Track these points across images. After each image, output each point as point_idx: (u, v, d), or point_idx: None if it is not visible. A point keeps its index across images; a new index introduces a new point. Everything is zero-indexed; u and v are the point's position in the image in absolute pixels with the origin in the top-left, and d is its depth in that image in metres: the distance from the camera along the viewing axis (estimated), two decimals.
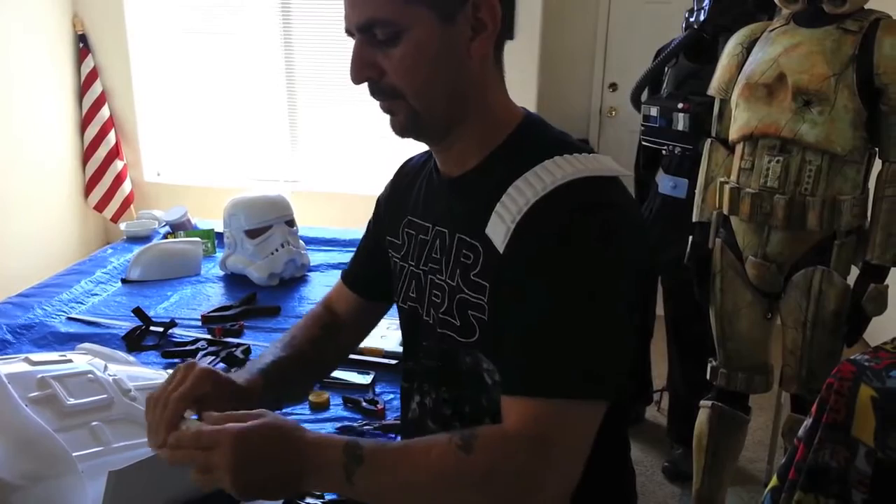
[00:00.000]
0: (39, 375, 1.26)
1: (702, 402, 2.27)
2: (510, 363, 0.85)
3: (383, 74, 0.87)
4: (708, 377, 2.23)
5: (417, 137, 0.95)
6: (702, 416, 2.27)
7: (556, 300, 0.82)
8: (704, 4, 2.39)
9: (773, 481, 1.80)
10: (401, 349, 1.82)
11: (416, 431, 1.05)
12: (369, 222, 1.20)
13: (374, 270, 1.17)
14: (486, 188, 0.90)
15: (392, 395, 1.79)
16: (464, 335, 0.92)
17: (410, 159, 1.14)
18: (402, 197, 1.09)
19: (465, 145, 0.93)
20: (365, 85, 0.89)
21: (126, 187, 4.31)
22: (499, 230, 0.86)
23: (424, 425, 1.03)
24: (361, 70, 0.87)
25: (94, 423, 1.25)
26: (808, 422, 1.73)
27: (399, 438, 1.62)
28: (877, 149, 1.88)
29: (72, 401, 1.25)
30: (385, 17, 0.83)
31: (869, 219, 1.91)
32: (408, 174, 1.11)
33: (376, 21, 0.84)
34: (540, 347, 0.81)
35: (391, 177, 1.17)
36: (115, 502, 1.09)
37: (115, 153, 4.24)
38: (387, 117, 0.93)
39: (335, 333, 1.19)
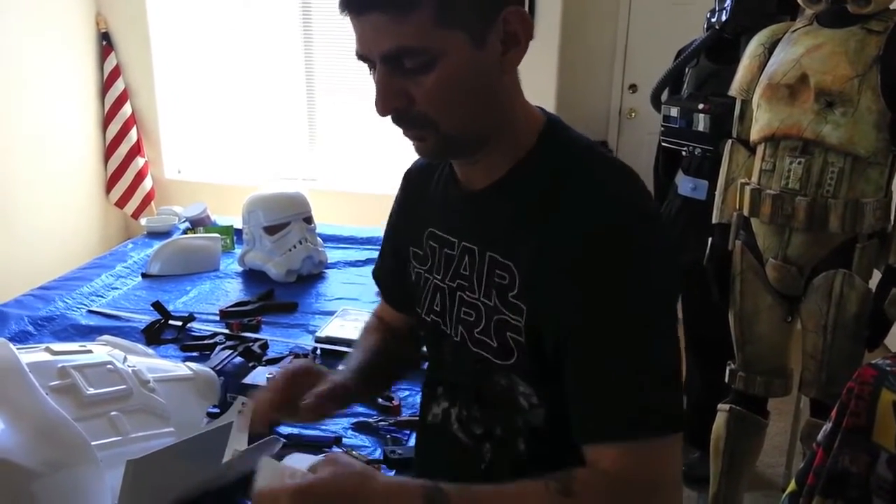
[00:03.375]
0: (60, 365, 1.27)
1: (720, 406, 2.26)
2: (590, 410, 0.82)
3: (413, 103, 0.81)
4: (726, 380, 2.22)
5: (448, 159, 0.92)
6: (719, 420, 2.25)
7: (623, 342, 0.80)
8: (726, 5, 2.36)
9: (792, 486, 1.79)
10: None
11: (439, 438, 1.03)
12: (386, 232, 1.16)
13: (406, 286, 1.11)
14: (513, 203, 0.87)
15: (407, 392, 1.79)
16: (500, 357, 0.89)
17: (413, 167, 1.10)
18: (417, 207, 1.05)
19: (492, 158, 0.89)
20: None
21: (147, 184, 4.34)
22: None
23: (450, 434, 1.00)
24: (390, 101, 0.81)
25: (112, 413, 1.26)
26: (827, 426, 1.71)
27: (415, 437, 1.62)
28: None
29: (91, 391, 1.26)
30: (417, 46, 0.77)
31: (892, 222, 1.88)
32: (416, 182, 1.07)
33: (407, 50, 0.78)
34: (620, 391, 0.79)
35: (398, 187, 1.13)
36: (133, 491, 1.10)
37: (136, 150, 4.28)
38: None
39: (398, 335, 1.17)
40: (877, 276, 1.93)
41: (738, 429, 2.21)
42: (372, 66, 0.83)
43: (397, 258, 1.10)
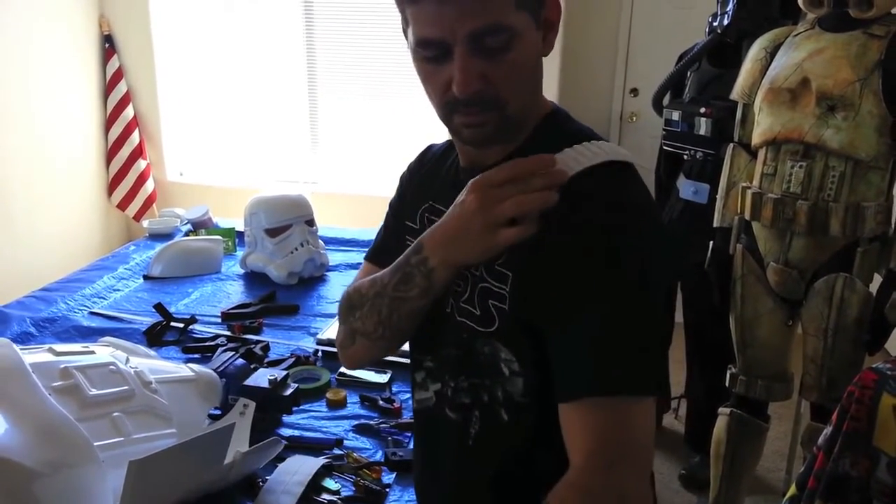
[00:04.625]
0: (62, 366, 1.28)
1: (720, 410, 2.26)
2: (566, 369, 0.84)
3: (488, 84, 0.84)
4: (727, 384, 2.22)
5: (497, 143, 0.93)
6: (720, 424, 2.25)
7: (610, 300, 0.82)
8: (728, 9, 2.37)
9: (792, 490, 1.78)
10: None
11: (431, 422, 1.05)
12: (393, 200, 1.17)
13: (401, 247, 1.12)
14: None
15: (408, 394, 1.79)
16: (483, 325, 0.92)
17: (433, 145, 1.14)
18: (424, 180, 1.08)
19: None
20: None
21: (149, 186, 4.35)
22: None
23: (442, 415, 1.02)
24: (472, 82, 0.83)
25: (115, 414, 1.27)
26: (828, 430, 1.71)
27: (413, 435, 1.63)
28: None
29: (94, 391, 1.26)
30: (505, 23, 0.81)
31: (893, 226, 1.88)
32: (431, 159, 1.10)
33: (497, 27, 0.81)
34: (592, 352, 0.82)
35: (415, 157, 1.15)
36: (135, 492, 1.10)
37: (138, 153, 4.28)
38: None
39: None
40: (877, 280, 1.93)
41: (739, 433, 2.21)
42: (438, 52, 0.84)
43: (400, 222, 1.11)
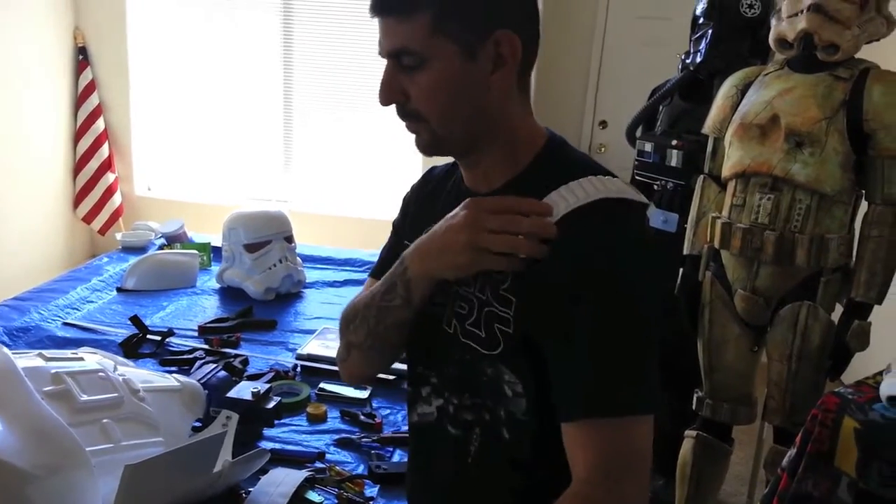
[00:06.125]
0: (54, 371, 1.27)
1: (687, 433, 2.31)
2: (568, 390, 0.88)
3: (408, 99, 0.92)
4: (694, 407, 2.28)
5: (440, 154, 0.99)
6: (686, 446, 2.31)
7: (607, 324, 0.86)
8: (701, 47, 2.47)
9: None
10: (399, 366, 1.85)
11: (430, 437, 1.07)
12: (396, 219, 1.19)
13: None
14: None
15: (389, 410, 1.81)
16: (487, 347, 0.95)
17: (435, 167, 1.17)
18: (425, 204, 1.11)
19: (491, 165, 0.98)
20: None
21: (116, 200, 4.30)
22: None
23: (442, 430, 1.04)
24: (389, 93, 0.93)
25: (104, 421, 1.27)
26: (792, 452, 1.78)
27: (397, 451, 1.64)
28: (863, 191, 1.96)
29: (85, 397, 1.27)
30: (412, 48, 0.89)
31: (854, 257, 1.98)
32: (432, 181, 1.13)
33: (404, 50, 0.90)
34: (603, 371, 0.86)
35: (417, 181, 1.18)
36: (129, 496, 1.10)
37: (107, 166, 4.24)
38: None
39: None
40: (839, 309, 2.02)
41: (704, 455, 2.27)
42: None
43: (399, 243, 1.13)
